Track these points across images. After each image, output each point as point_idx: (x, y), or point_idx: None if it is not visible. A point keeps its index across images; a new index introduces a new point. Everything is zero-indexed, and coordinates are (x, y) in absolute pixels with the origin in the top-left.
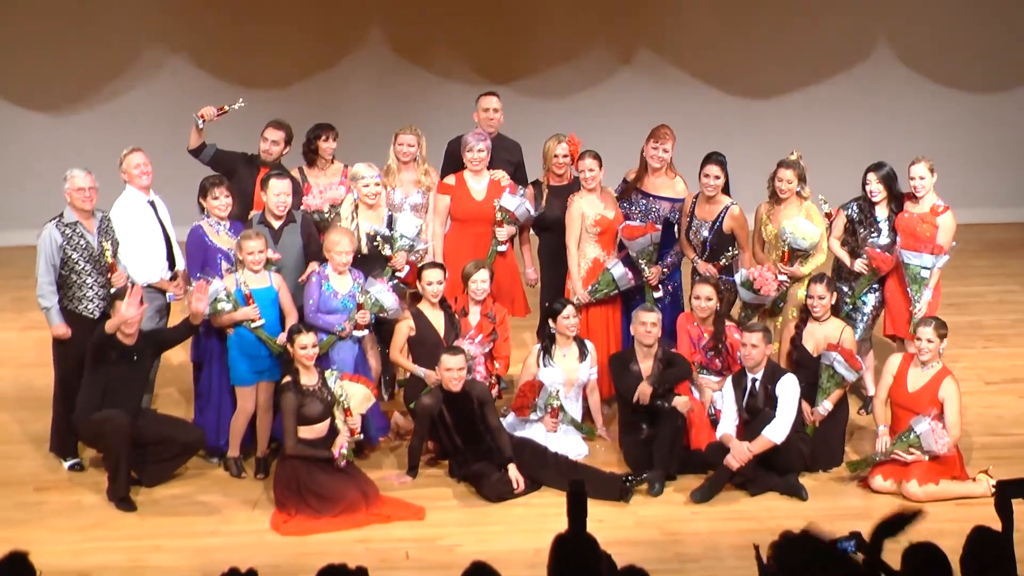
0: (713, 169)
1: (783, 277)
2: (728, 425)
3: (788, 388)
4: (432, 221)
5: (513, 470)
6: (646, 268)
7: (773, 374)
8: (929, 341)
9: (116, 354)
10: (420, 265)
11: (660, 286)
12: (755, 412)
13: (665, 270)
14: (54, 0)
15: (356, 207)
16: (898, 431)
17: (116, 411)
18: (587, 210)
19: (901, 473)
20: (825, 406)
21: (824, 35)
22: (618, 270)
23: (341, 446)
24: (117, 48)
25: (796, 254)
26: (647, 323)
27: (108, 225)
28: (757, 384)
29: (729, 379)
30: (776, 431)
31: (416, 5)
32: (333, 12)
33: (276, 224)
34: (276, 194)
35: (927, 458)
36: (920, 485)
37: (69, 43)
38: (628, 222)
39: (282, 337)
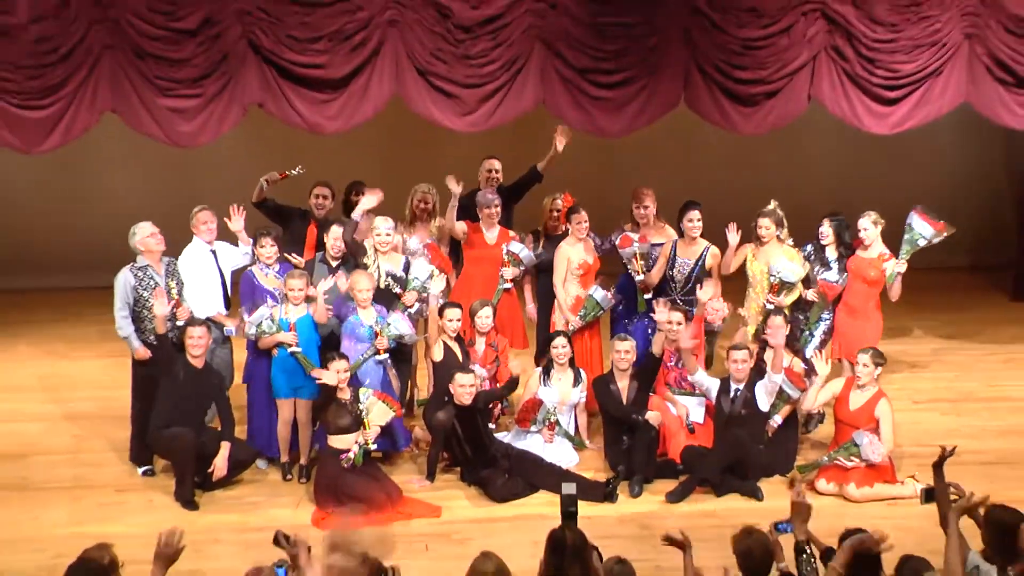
0: (695, 214)
1: (771, 306)
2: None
3: (759, 387)
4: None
5: None
6: (639, 272)
7: (752, 383)
8: (865, 366)
9: (184, 373)
10: (442, 304)
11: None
12: (734, 416)
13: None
14: None
15: (376, 251)
16: (841, 442)
17: (184, 430)
18: (573, 256)
19: (842, 478)
20: (776, 420)
21: None
22: (599, 293)
23: (351, 450)
24: None
25: (784, 286)
26: (621, 351)
27: (174, 268)
28: (739, 392)
29: (718, 381)
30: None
31: None
32: None
33: (334, 264)
34: (334, 239)
35: (864, 465)
36: (858, 488)
37: None
38: (626, 233)
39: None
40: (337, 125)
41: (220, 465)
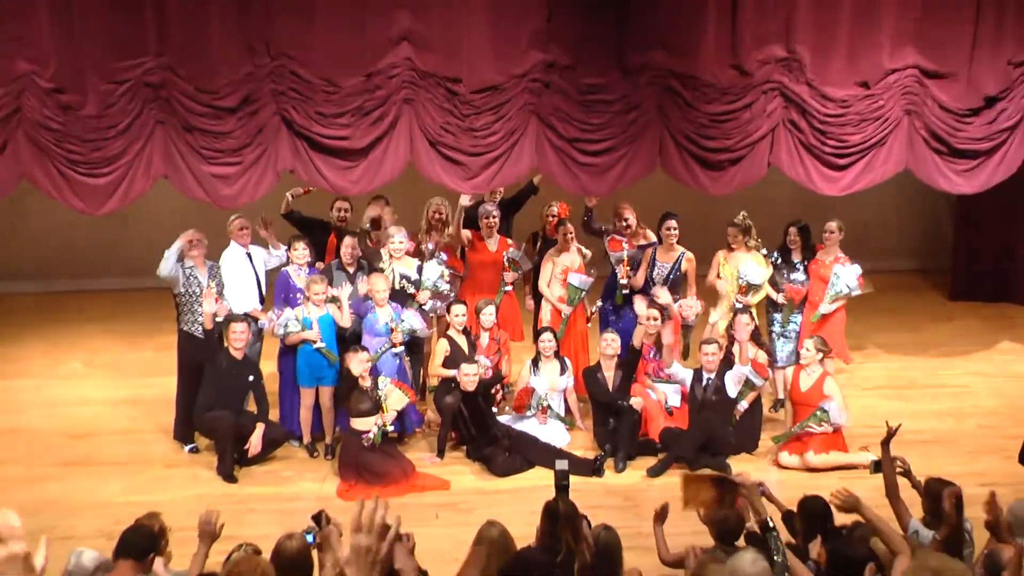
0: (673, 223)
1: (739, 304)
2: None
3: (728, 376)
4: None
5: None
6: (619, 270)
7: (721, 373)
8: (807, 351)
9: (226, 362)
10: (448, 303)
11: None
12: (706, 402)
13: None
14: None
15: (391, 256)
16: (797, 421)
17: (225, 413)
18: (557, 262)
19: (802, 448)
20: (743, 404)
21: None
22: (575, 278)
23: (371, 431)
24: None
25: (751, 288)
26: (607, 339)
27: (216, 271)
28: (710, 380)
29: (692, 372)
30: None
31: None
32: None
33: (350, 270)
34: (346, 248)
35: (831, 430)
36: (816, 454)
37: None
38: (614, 237)
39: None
40: (359, 188)
41: (255, 443)
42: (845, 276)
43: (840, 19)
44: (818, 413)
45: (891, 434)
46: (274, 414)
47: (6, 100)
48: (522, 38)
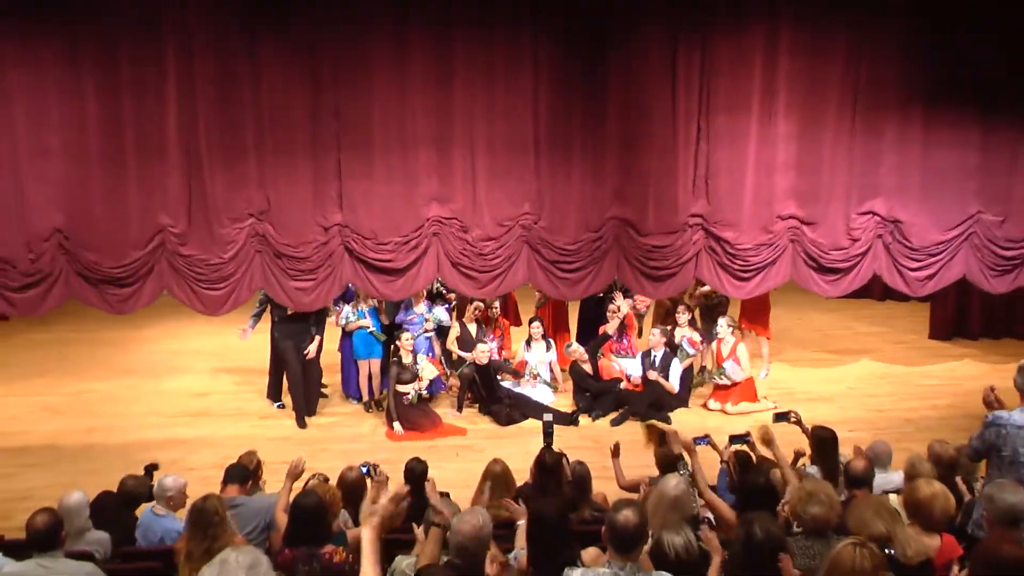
0: None
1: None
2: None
3: (674, 362)
4: None
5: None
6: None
7: (666, 353)
8: (720, 327)
9: (290, 311)
10: (469, 297)
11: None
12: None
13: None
14: None
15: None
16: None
17: (299, 379)
18: None
19: (724, 398)
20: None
21: None
22: None
23: (410, 393)
24: None
25: None
26: (572, 350)
27: None
28: (658, 359)
29: (641, 352)
30: (674, 382)
31: None
32: None
33: None
34: None
35: (729, 383)
36: (733, 405)
37: None
38: None
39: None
40: (400, 295)
41: (312, 350)
42: None
43: (742, 180)
44: (720, 369)
45: (784, 416)
46: (338, 381)
47: (154, 239)
48: (519, 195)
